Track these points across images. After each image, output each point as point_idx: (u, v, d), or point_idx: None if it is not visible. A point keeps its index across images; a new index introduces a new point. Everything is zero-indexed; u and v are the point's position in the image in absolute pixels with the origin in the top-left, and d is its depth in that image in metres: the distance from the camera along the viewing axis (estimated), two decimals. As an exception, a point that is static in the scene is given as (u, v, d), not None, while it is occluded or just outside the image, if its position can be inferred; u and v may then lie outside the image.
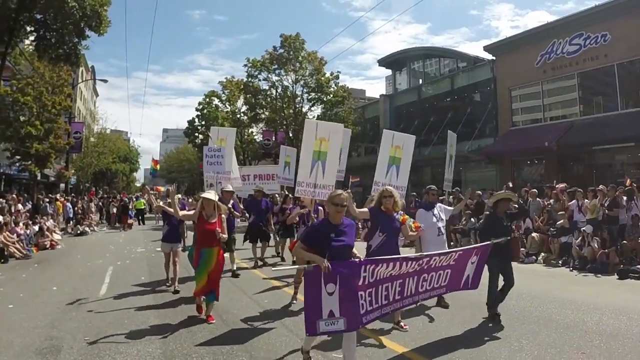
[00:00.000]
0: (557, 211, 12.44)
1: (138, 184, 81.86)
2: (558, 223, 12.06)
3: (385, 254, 4.57)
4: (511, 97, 22.49)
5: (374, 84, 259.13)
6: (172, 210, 6.58)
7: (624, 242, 10.19)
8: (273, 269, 6.86)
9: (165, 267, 8.31)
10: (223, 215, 6.10)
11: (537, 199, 13.59)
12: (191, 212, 6.26)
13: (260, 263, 10.55)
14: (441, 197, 8.54)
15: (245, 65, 31.01)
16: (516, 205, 6.56)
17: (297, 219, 7.95)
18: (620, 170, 17.19)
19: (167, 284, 8.08)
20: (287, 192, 11.52)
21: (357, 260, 4.01)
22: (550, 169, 19.90)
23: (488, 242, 5.48)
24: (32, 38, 15.98)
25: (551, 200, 13.21)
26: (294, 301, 6.80)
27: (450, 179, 8.95)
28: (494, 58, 23.58)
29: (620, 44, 17.17)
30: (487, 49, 23.92)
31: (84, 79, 41.69)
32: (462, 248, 5.15)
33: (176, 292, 7.55)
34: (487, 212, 7.24)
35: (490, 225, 6.12)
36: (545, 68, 20.31)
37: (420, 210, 6.72)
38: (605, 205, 11.16)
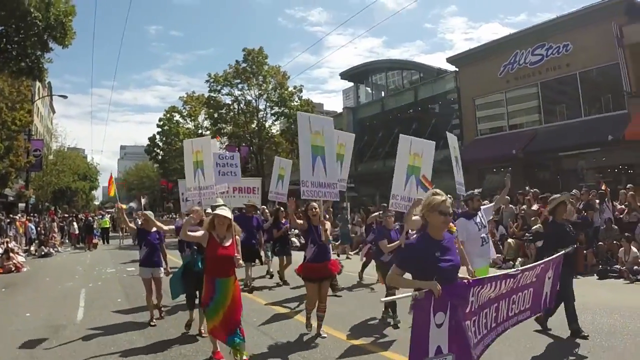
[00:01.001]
0: (531, 217, 12.72)
1: (96, 202, 79.51)
2: (533, 228, 12.30)
3: None
4: (475, 108, 23.01)
5: (331, 97, 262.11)
6: (160, 225, 6.17)
7: (600, 243, 10.50)
8: (381, 299, 6.23)
9: (147, 299, 6.83)
10: (237, 237, 5.14)
11: (510, 205, 13.87)
12: (199, 233, 5.00)
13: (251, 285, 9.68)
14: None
15: (207, 81, 30.77)
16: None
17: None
18: (583, 175, 17.78)
19: (152, 323, 6.63)
20: (278, 206, 11.28)
21: (465, 281, 3.22)
22: (516, 176, 20.31)
23: (559, 253, 4.66)
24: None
25: (524, 206, 13.50)
26: (308, 329, 5.96)
27: (462, 182, 7.85)
28: (457, 69, 24.16)
29: (582, 54, 17.86)
30: (450, 60, 24.47)
31: (41, 96, 40.16)
32: (542, 261, 4.34)
33: (160, 318, 6.89)
34: (546, 221, 6.70)
35: (554, 235, 5.54)
36: (508, 78, 20.90)
37: (461, 220, 5.73)
38: (580, 208, 11.50)
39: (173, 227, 8.13)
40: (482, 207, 5.99)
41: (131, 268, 13.89)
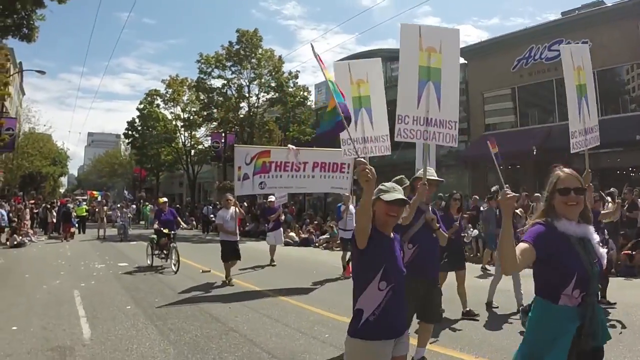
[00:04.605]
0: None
1: (63, 189, 76.57)
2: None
3: None
4: (484, 101, 22.18)
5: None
6: None
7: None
8: None
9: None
10: None
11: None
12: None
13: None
14: None
15: (198, 62, 28.97)
16: None
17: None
18: (604, 174, 17.15)
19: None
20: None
21: None
22: (527, 175, 19.64)
23: None
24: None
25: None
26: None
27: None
28: (466, 62, 23.21)
29: (602, 52, 17.17)
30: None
31: (12, 74, 37.33)
32: None
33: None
34: None
35: None
36: (522, 73, 20.12)
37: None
38: (625, 208, 10.82)
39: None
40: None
41: (123, 264, 12.42)
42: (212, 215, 27.24)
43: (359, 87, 5.89)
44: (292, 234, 19.68)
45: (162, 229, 11.15)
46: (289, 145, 9.56)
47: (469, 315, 6.38)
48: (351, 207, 10.25)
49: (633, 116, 16.75)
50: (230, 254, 9.40)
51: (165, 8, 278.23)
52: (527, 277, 7.94)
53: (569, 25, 18.38)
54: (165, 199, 12.29)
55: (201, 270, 10.98)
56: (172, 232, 11.25)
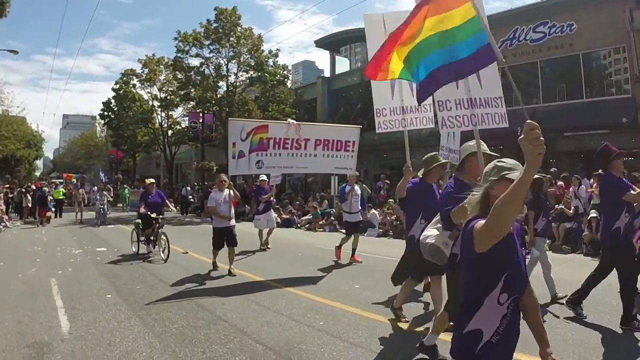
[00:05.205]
0: (551, 196, 12.00)
1: (37, 173, 74.73)
2: (558, 207, 11.86)
3: None
4: (468, 83, 22.07)
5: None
6: None
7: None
8: None
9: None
10: None
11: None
12: None
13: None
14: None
15: (176, 39, 28.19)
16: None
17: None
18: (589, 157, 17.22)
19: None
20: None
21: None
22: (512, 156, 19.57)
23: None
24: None
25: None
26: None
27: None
28: (450, 43, 22.98)
29: (587, 35, 17.21)
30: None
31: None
32: None
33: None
34: None
35: None
36: (506, 54, 19.91)
37: None
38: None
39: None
40: None
41: (102, 249, 12.01)
42: (190, 197, 26.86)
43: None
44: (274, 215, 19.41)
45: (148, 212, 10.24)
46: (289, 120, 8.66)
47: None
48: (356, 187, 9.77)
49: (618, 99, 16.80)
50: (223, 241, 8.61)
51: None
52: (558, 262, 7.74)
53: (555, 7, 18.22)
54: (152, 180, 11.28)
55: (182, 252, 10.69)
56: (161, 216, 10.33)
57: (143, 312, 5.89)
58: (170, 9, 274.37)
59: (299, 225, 18.25)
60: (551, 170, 14.25)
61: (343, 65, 31.64)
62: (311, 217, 18.13)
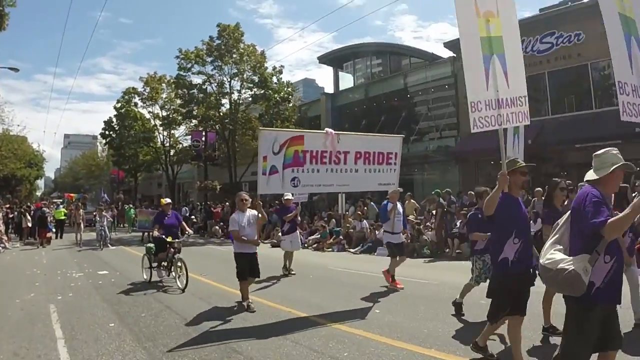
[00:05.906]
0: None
1: (39, 193, 74.70)
2: None
3: None
4: (474, 96, 21.83)
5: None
6: None
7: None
8: None
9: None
10: None
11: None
12: None
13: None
14: None
15: (178, 57, 28.05)
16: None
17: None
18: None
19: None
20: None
21: None
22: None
23: None
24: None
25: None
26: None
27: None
28: (454, 55, 22.79)
29: (595, 44, 16.90)
30: (447, 45, 23.12)
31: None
32: None
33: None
34: None
35: None
36: (513, 66, 19.78)
37: None
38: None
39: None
40: None
41: (103, 272, 11.55)
42: (193, 217, 26.35)
43: (487, 23, 4.25)
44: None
45: (163, 236, 9.17)
46: (327, 129, 7.41)
47: (553, 330, 5.18)
48: (398, 205, 8.80)
49: (630, 108, 16.50)
50: (249, 269, 7.21)
51: (141, 7, 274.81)
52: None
53: (561, 17, 18.09)
54: (168, 200, 10.34)
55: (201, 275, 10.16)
56: (177, 240, 9.30)
57: (150, 344, 5.41)
58: (170, 28, 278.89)
59: (306, 245, 17.75)
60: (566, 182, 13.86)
61: (346, 81, 31.59)
62: (319, 236, 17.67)
